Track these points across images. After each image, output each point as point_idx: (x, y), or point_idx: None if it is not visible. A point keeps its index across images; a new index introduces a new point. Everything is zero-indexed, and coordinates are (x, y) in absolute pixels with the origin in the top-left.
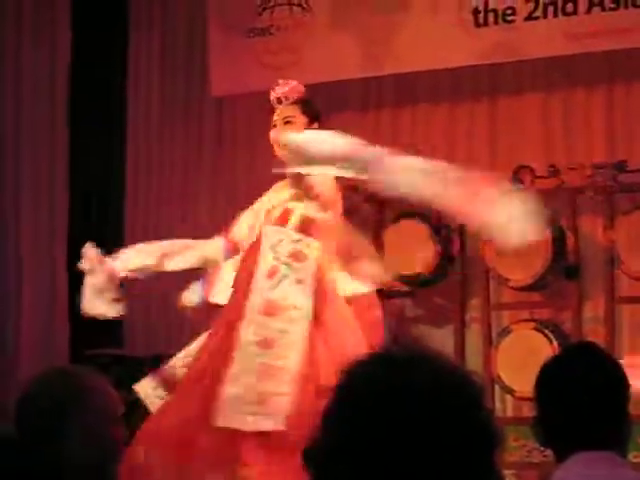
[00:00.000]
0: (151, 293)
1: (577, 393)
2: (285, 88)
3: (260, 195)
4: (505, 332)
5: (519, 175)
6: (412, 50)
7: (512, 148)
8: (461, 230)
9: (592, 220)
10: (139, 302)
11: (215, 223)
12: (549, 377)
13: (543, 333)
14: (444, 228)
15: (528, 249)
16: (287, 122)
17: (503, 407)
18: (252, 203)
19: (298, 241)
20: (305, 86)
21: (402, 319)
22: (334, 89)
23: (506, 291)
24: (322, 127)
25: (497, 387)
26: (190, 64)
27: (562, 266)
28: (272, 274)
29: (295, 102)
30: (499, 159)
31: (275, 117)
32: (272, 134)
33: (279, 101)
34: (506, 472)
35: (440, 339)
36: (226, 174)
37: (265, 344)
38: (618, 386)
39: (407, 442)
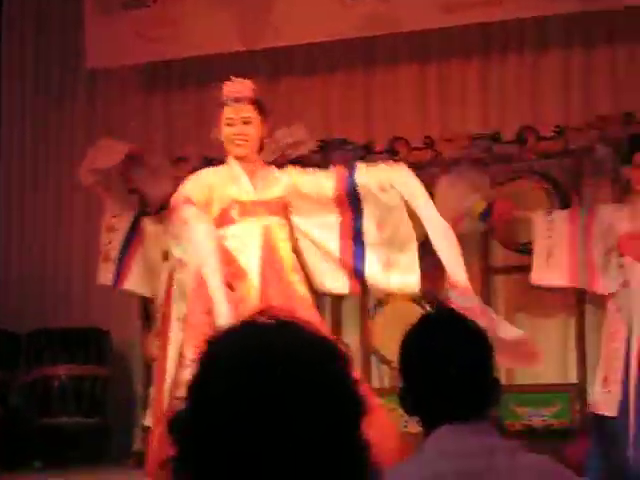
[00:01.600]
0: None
1: (440, 363)
2: (241, 87)
3: None
4: (381, 303)
5: (394, 146)
6: (288, 24)
7: (388, 120)
8: None
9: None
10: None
11: (89, 193)
12: (411, 347)
13: (419, 304)
14: None
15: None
16: (246, 122)
17: (380, 378)
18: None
19: None
20: (182, 60)
21: None
22: (210, 63)
23: None
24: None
25: (374, 358)
26: (65, 37)
27: None
28: None
29: (251, 102)
30: (375, 131)
31: (232, 115)
32: (228, 130)
33: (237, 100)
34: None
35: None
36: None
37: None
38: (483, 354)
39: (267, 410)
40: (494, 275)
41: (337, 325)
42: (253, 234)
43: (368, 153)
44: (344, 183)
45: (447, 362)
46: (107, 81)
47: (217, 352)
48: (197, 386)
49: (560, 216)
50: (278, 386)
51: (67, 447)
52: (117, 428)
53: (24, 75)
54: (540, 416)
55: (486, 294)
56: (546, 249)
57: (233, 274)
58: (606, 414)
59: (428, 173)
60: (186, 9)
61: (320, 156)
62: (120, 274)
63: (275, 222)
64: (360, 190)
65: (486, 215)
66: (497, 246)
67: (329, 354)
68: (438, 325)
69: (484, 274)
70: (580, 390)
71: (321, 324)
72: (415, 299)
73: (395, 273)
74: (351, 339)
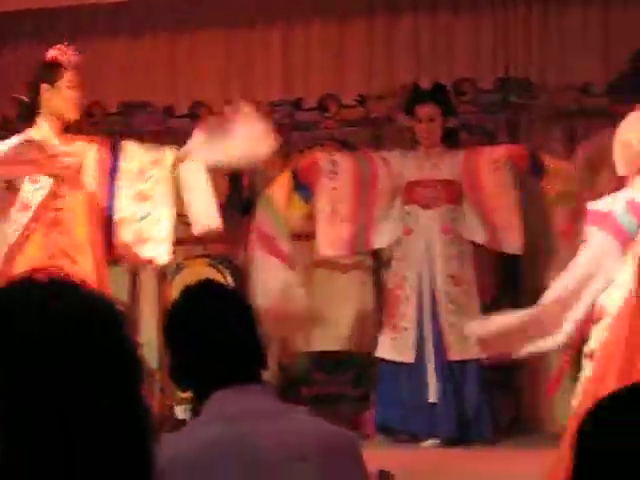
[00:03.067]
0: None
1: (208, 331)
2: (72, 52)
3: None
4: (178, 268)
5: (197, 111)
6: None
7: (189, 84)
8: None
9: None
10: None
11: None
12: (177, 319)
13: (216, 268)
14: None
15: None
16: (79, 88)
17: None
18: None
19: None
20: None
21: None
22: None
23: (179, 226)
24: None
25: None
26: None
27: (237, 201)
28: None
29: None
30: (178, 95)
31: (72, 80)
32: (72, 94)
33: (76, 66)
34: (179, 407)
35: (114, 275)
36: None
37: None
38: (248, 320)
39: (44, 367)
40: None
41: (133, 289)
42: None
43: (170, 117)
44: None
45: (214, 329)
46: None
47: None
48: None
49: (344, 164)
50: (57, 343)
51: None
52: None
53: None
54: (336, 382)
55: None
56: (329, 206)
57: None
58: (398, 360)
59: None
60: None
61: (121, 119)
62: None
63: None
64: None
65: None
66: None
67: (106, 312)
68: (201, 296)
69: None
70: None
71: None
72: (212, 264)
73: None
74: (148, 304)
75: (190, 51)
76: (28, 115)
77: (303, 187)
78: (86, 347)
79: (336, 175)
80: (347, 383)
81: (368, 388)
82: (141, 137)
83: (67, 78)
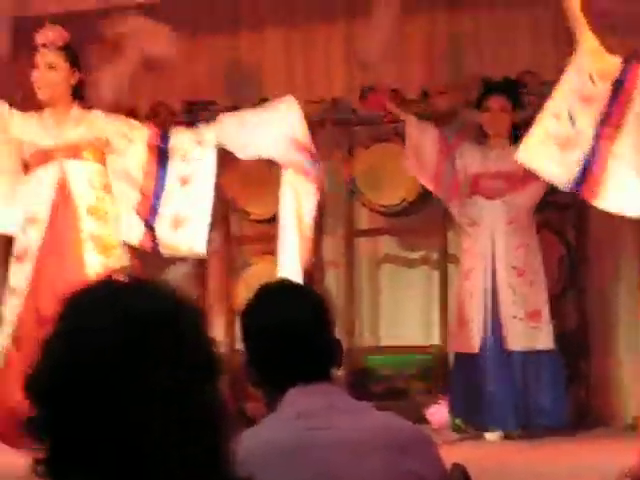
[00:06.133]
0: None
1: (280, 330)
2: (49, 33)
3: None
4: (246, 265)
5: None
6: None
7: (252, 81)
8: None
9: (332, 153)
10: None
11: None
12: (250, 318)
13: None
14: None
15: (268, 183)
16: (50, 67)
17: None
18: None
19: None
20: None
21: None
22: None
23: (246, 224)
24: (86, 74)
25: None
26: None
27: None
28: None
29: (59, 48)
30: (241, 93)
31: (38, 60)
32: (35, 74)
33: (44, 46)
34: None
35: (180, 272)
36: None
37: None
38: (321, 317)
39: (126, 367)
40: (358, 238)
41: (202, 286)
42: (48, 179)
43: None
44: (157, 137)
45: (290, 327)
46: None
47: (75, 310)
48: (56, 344)
49: (429, 130)
50: (138, 343)
51: None
52: None
53: None
54: (403, 377)
55: (350, 256)
56: (415, 149)
57: (28, 219)
58: (464, 352)
59: None
60: None
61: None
62: None
63: (76, 165)
64: (171, 145)
65: (363, 98)
66: (361, 210)
67: (186, 311)
68: (274, 294)
69: (348, 237)
70: (443, 351)
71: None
72: None
73: (183, 232)
74: (216, 300)
75: (252, 48)
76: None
77: None
78: (165, 347)
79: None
80: (414, 378)
81: (435, 382)
82: None
83: (34, 59)
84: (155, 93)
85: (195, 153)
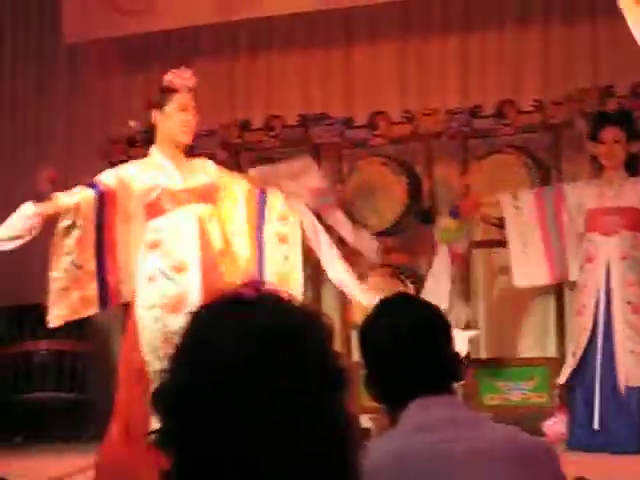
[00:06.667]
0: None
1: (400, 346)
2: (191, 76)
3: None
4: (361, 278)
5: (374, 121)
6: None
7: (368, 94)
8: None
9: (447, 165)
10: None
11: (69, 167)
12: (369, 333)
13: (399, 278)
14: None
15: (384, 194)
16: (193, 111)
17: None
18: (108, 149)
19: None
20: (162, 33)
21: None
22: (188, 35)
23: None
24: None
25: (355, 333)
26: (42, 8)
27: (417, 211)
28: None
29: (194, 91)
30: (355, 105)
31: (184, 103)
32: (183, 117)
33: (190, 90)
34: (363, 416)
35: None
36: (81, 121)
37: None
38: (440, 332)
39: (250, 382)
40: (474, 249)
41: (317, 300)
42: (188, 223)
43: (348, 127)
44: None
45: (409, 342)
46: (87, 56)
47: (201, 325)
48: (182, 359)
49: (526, 200)
50: (263, 358)
51: (48, 422)
52: (98, 403)
53: (3, 54)
54: (519, 390)
55: (466, 268)
56: (520, 239)
57: (173, 267)
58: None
59: (408, 147)
60: None
61: (300, 131)
62: None
63: (207, 210)
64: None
65: (455, 214)
66: (477, 220)
67: (312, 327)
68: (393, 309)
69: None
70: (559, 364)
71: None
72: (395, 273)
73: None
74: (331, 313)
75: (366, 61)
76: (147, 140)
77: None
78: (290, 362)
79: (521, 210)
80: (530, 390)
81: (552, 395)
82: (318, 148)
83: (179, 101)
84: (269, 106)
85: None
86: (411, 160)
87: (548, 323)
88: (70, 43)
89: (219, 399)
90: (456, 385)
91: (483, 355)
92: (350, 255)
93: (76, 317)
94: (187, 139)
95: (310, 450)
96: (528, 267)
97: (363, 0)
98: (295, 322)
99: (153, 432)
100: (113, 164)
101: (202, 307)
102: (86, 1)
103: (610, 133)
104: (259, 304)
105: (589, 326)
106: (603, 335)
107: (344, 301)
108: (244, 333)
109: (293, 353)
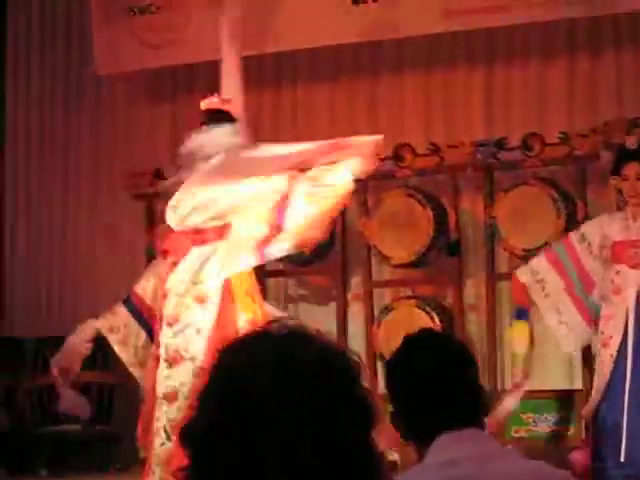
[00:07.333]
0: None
1: (426, 384)
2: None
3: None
4: (387, 309)
5: (400, 152)
6: (292, 28)
7: (392, 126)
8: (342, 208)
9: (473, 197)
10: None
11: (95, 200)
12: (396, 370)
13: (424, 310)
14: None
15: (410, 226)
16: None
17: None
18: (134, 182)
19: None
20: (188, 66)
21: None
22: (214, 68)
23: (387, 268)
24: None
25: (380, 364)
26: (69, 41)
27: (443, 243)
28: None
29: None
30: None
31: None
32: None
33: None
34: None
35: (322, 317)
36: (105, 153)
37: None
38: (466, 367)
39: (282, 419)
40: (500, 281)
41: (343, 331)
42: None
43: None
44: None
45: (435, 378)
46: (113, 88)
47: (230, 362)
48: (211, 396)
49: (544, 267)
50: (293, 395)
51: (73, 455)
52: (124, 435)
53: (30, 85)
54: (545, 422)
55: (492, 302)
56: (553, 307)
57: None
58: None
59: (433, 179)
60: (190, 15)
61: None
62: None
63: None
64: None
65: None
66: (502, 252)
67: (342, 363)
68: (419, 345)
69: (490, 281)
70: (585, 396)
71: None
72: (420, 305)
73: None
74: (357, 345)
75: (390, 92)
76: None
77: (523, 312)
78: (323, 399)
79: (544, 282)
80: (557, 422)
81: (579, 427)
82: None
83: None
84: (295, 139)
85: None
86: (437, 192)
87: (574, 353)
88: (100, 75)
89: (252, 437)
90: (485, 419)
91: (508, 387)
92: (377, 288)
93: None
94: None
95: None
96: (570, 333)
97: (386, 35)
98: (327, 358)
99: (182, 467)
100: (138, 197)
101: (233, 344)
102: (115, 35)
103: (632, 169)
104: (289, 341)
105: (614, 357)
106: (632, 368)
107: (369, 331)
108: (277, 371)
109: (326, 389)
